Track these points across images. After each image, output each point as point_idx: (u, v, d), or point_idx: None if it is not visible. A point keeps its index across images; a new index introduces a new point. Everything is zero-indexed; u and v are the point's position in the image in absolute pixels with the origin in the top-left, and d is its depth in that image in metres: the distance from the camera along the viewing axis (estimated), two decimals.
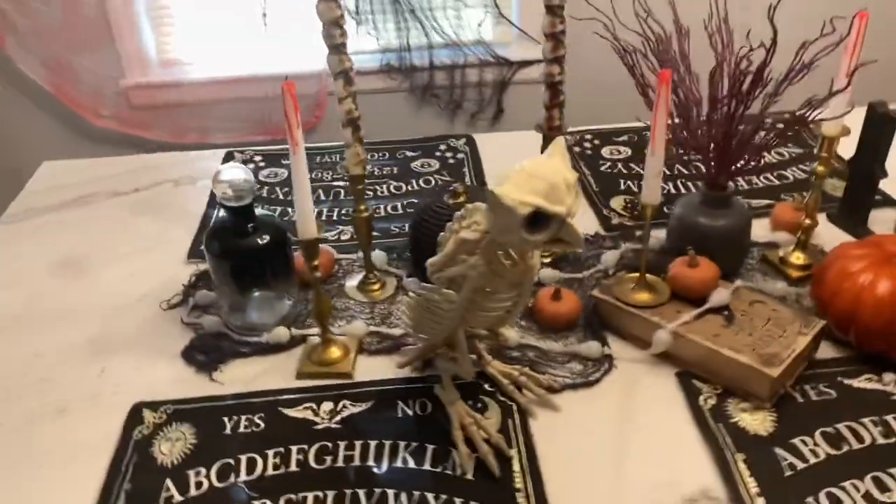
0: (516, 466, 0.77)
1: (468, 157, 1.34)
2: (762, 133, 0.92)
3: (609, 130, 1.41)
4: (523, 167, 0.64)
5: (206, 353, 0.94)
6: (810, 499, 0.72)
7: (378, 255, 1.07)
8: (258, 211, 0.93)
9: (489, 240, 0.69)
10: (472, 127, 2.10)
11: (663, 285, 0.93)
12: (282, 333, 0.95)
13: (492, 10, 1.92)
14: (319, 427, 0.83)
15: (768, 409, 0.82)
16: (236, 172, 0.90)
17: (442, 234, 0.76)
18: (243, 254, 0.92)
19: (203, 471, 0.78)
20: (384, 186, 1.27)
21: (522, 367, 0.88)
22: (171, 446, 0.81)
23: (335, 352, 0.91)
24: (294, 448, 0.80)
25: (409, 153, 1.37)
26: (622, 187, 1.24)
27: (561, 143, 0.67)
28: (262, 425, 0.84)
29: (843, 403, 0.83)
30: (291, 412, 0.85)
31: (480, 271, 0.69)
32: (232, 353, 0.94)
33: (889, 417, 0.80)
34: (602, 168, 1.30)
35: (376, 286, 1.03)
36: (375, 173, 1.30)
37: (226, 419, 0.84)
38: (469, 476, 0.77)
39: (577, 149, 1.34)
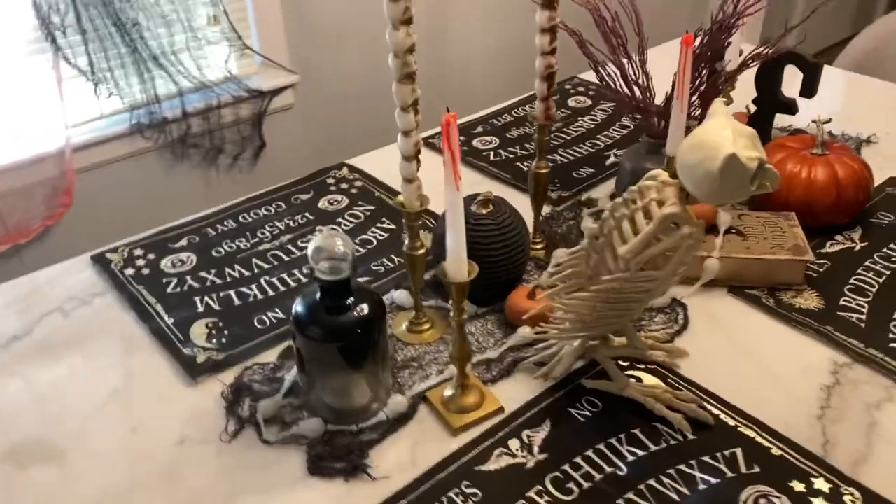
0: (710, 408, 0.84)
1: (366, 181, 1.28)
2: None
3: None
4: (721, 130, 0.70)
5: (339, 458, 0.79)
6: (889, 334, 0.93)
7: (400, 295, 1.00)
8: None
9: (685, 209, 0.73)
10: (234, 170, 1.95)
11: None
12: (399, 402, 0.85)
13: (235, 43, 1.79)
14: (531, 465, 0.78)
15: (807, 290, 1.01)
16: (330, 241, 0.76)
17: (601, 220, 0.77)
18: (350, 331, 0.79)
19: None
20: (287, 251, 1.15)
21: (660, 386, 0.88)
22: None
23: (473, 394, 0.85)
24: (533, 494, 0.75)
25: (303, 196, 1.25)
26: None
27: (721, 104, 0.75)
28: (479, 493, 0.75)
29: (837, 266, 1.05)
30: (489, 467, 0.78)
31: (696, 237, 0.74)
32: (363, 444, 0.81)
33: (869, 264, 1.05)
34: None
35: (426, 326, 0.96)
36: (291, 224, 1.17)
37: (448, 500, 0.74)
38: (691, 436, 0.81)
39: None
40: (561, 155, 1.36)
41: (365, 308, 0.80)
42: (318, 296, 0.80)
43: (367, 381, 0.83)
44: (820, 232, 1.12)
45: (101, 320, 1.01)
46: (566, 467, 0.78)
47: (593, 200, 1.21)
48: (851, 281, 1.03)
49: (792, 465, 0.77)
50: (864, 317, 0.97)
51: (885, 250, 1.09)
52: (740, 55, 1.17)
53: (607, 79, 1.09)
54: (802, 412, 0.84)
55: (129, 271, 1.08)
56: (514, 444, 0.81)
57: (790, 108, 1.28)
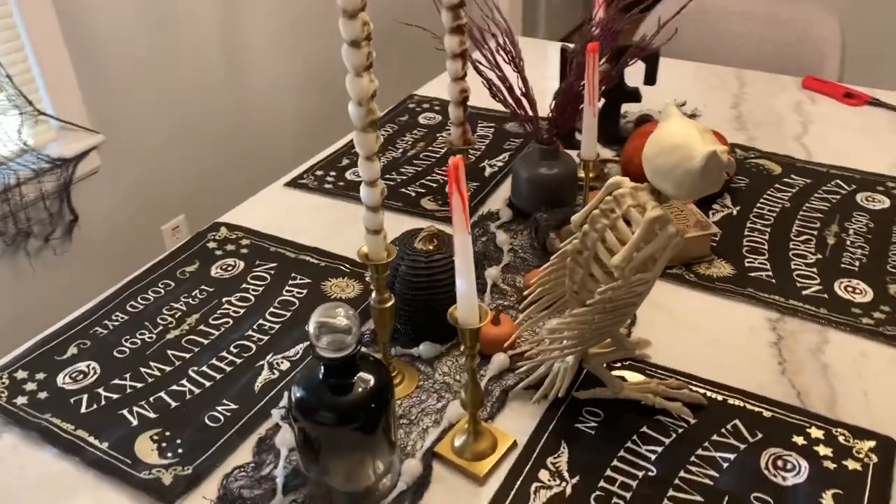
0: (696, 389, 0.88)
1: (253, 235, 1.18)
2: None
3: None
4: (687, 130, 0.74)
5: None
6: (794, 276, 1.05)
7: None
8: None
9: (663, 211, 0.76)
10: (47, 252, 1.69)
11: None
12: (414, 466, 0.79)
13: (25, 110, 1.54)
14: (570, 492, 0.77)
15: (716, 259, 1.10)
16: (332, 312, 0.69)
17: (581, 236, 0.78)
18: (364, 407, 0.72)
19: None
20: (226, 306, 1.04)
21: (649, 380, 0.91)
22: None
23: (485, 435, 0.82)
24: None
25: (188, 269, 1.12)
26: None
27: (672, 106, 0.78)
28: None
29: (728, 229, 1.16)
30: (535, 491, 0.76)
31: (681, 235, 0.77)
32: None
33: (752, 223, 1.18)
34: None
35: (398, 379, 0.91)
36: (192, 304, 1.05)
37: None
38: (693, 420, 0.85)
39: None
40: (441, 174, 1.35)
41: (370, 378, 0.74)
42: (320, 375, 0.72)
43: (383, 453, 0.77)
44: (699, 204, 1.23)
45: (7, 470, 0.83)
46: (602, 483, 0.78)
47: (494, 213, 1.22)
48: (745, 243, 1.14)
49: (785, 422, 0.85)
50: (770, 273, 1.08)
51: (755, 210, 1.22)
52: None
53: (499, 94, 1.10)
54: (767, 371, 0.92)
55: (21, 400, 0.90)
56: (543, 475, 0.79)
57: (635, 96, 1.39)
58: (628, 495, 0.77)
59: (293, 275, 1.11)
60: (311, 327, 0.70)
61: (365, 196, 0.77)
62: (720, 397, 0.88)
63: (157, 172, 1.96)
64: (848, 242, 1.13)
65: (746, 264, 1.10)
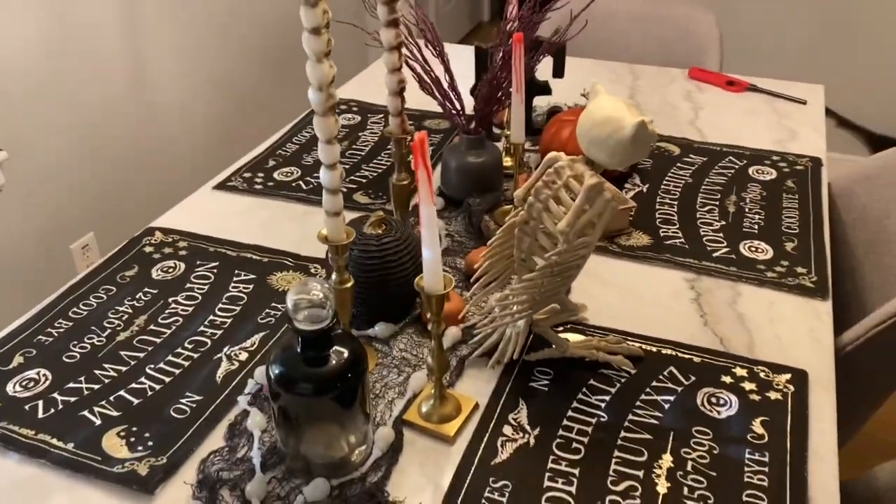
0: (633, 343, 0.97)
1: (189, 237, 1.18)
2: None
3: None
4: (616, 106, 0.82)
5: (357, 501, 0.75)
6: (704, 241, 1.16)
7: None
8: None
9: (600, 178, 0.84)
10: None
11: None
12: (387, 433, 0.83)
13: None
14: (533, 442, 0.83)
15: (634, 231, 1.20)
16: (306, 289, 0.72)
17: (527, 207, 0.84)
18: (340, 378, 0.75)
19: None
20: (173, 306, 1.04)
21: (592, 337, 0.99)
22: None
23: (449, 399, 0.87)
24: (552, 464, 0.80)
25: (128, 273, 1.11)
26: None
27: (600, 85, 0.86)
28: (510, 483, 0.78)
29: (642, 204, 1.27)
30: (502, 457, 0.82)
31: (616, 200, 0.84)
32: (377, 485, 0.78)
33: (657, 205, 1.29)
34: None
35: None
36: (137, 306, 1.04)
37: (487, 501, 0.76)
38: (632, 370, 0.93)
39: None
40: (369, 169, 1.40)
41: (344, 351, 0.78)
42: (297, 349, 0.75)
43: (358, 423, 0.80)
44: (613, 184, 1.33)
45: None
46: (561, 432, 0.85)
47: None
48: (658, 216, 1.25)
49: (713, 365, 0.94)
50: (683, 240, 1.19)
51: (662, 187, 1.33)
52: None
53: (428, 86, 1.16)
54: (693, 324, 1.02)
55: None
56: (507, 430, 0.85)
57: (546, 89, 1.48)
58: (586, 440, 0.84)
59: (237, 272, 1.12)
60: (288, 303, 0.73)
61: (325, 179, 0.81)
62: (654, 349, 0.97)
63: (63, 190, 1.89)
64: (746, 209, 1.26)
65: (661, 234, 1.20)
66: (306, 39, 0.73)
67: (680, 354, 0.96)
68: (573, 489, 0.79)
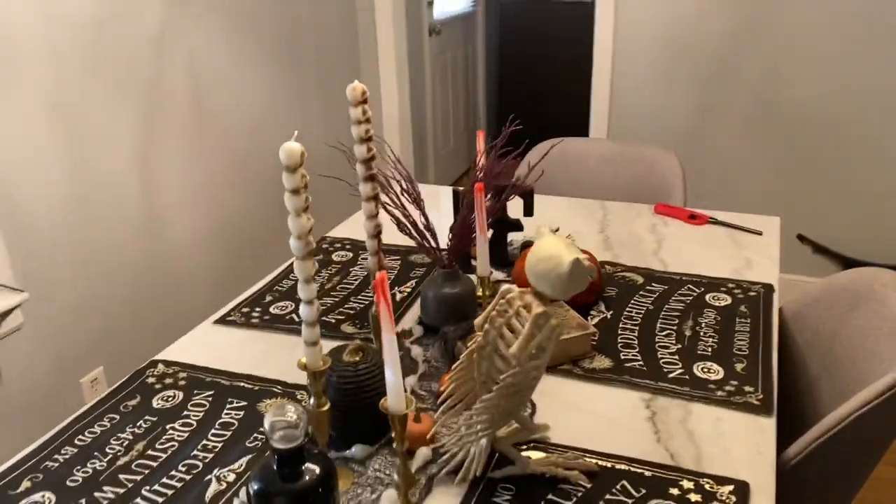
0: (589, 459, 1.05)
1: (188, 368, 1.28)
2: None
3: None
4: (555, 245, 0.95)
5: None
6: (661, 363, 1.25)
7: None
8: None
9: (546, 308, 0.96)
10: None
11: None
12: None
13: None
14: None
15: (597, 355, 1.30)
16: (282, 411, 0.82)
17: (483, 334, 0.96)
18: (312, 493, 0.84)
19: None
20: (171, 432, 1.13)
21: (553, 455, 1.08)
22: None
23: None
24: None
25: (131, 403, 1.21)
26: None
27: (545, 227, 1.00)
28: None
29: (605, 330, 1.37)
30: None
31: (561, 326, 0.95)
32: None
33: (620, 330, 1.39)
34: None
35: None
36: (138, 433, 1.13)
37: None
38: (588, 484, 1.00)
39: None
40: (356, 301, 1.52)
41: (317, 470, 0.87)
42: (274, 467, 0.84)
43: None
44: (579, 311, 1.44)
45: None
46: None
47: (408, 331, 1.39)
48: (619, 340, 1.36)
49: (662, 478, 1.02)
50: (642, 362, 1.29)
51: (625, 313, 1.45)
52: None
53: (406, 228, 1.31)
54: (645, 440, 1.10)
55: None
56: None
57: (517, 226, 1.63)
58: None
59: (230, 399, 1.22)
60: (266, 424, 0.83)
61: (304, 313, 0.93)
62: (609, 464, 1.05)
63: (76, 327, 2.02)
64: (701, 333, 1.37)
65: (622, 357, 1.30)
66: (287, 198, 0.87)
67: (632, 469, 1.04)
68: None
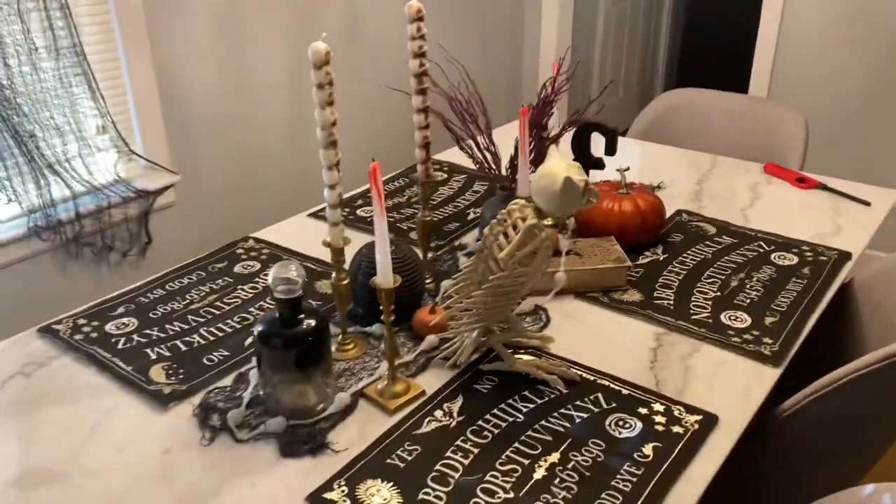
0: (576, 370, 1.12)
1: (272, 246, 1.50)
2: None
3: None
4: (558, 163, 1.02)
5: (304, 441, 0.99)
6: (692, 316, 1.28)
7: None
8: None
9: (537, 220, 1.03)
10: (124, 266, 2.08)
11: None
12: (344, 398, 1.06)
13: (122, 149, 1.95)
14: (453, 426, 1.02)
15: (630, 289, 1.35)
16: (287, 267, 0.99)
17: (483, 237, 1.06)
18: (299, 341, 1.01)
19: (430, 490, 0.91)
20: (240, 291, 1.35)
21: (540, 359, 1.20)
22: (378, 494, 0.91)
23: (399, 385, 1.08)
24: (459, 442, 0.99)
25: (217, 265, 1.45)
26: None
27: (554, 148, 1.07)
28: (419, 448, 0.98)
29: (647, 273, 1.41)
30: (422, 430, 1.02)
31: (549, 239, 1.04)
32: (318, 432, 1.01)
33: (673, 267, 1.42)
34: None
35: (350, 346, 1.19)
36: (214, 288, 1.37)
37: (395, 459, 0.96)
38: (565, 390, 1.09)
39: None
40: (432, 215, 1.65)
41: (313, 322, 1.03)
42: (277, 314, 1.01)
43: (318, 381, 1.04)
44: (634, 250, 1.48)
45: (63, 376, 1.15)
46: (479, 422, 1.03)
47: (464, 245, 1.51)
48: (660, 280, 1.39)
49: (637, 398, 1.07)
50: (672, 302, 1.31)
51: (679, 258, 1.46)
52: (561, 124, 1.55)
53: (468, 150, 1.41)
54: (640, 366, 1.15)
55: (78, 337, 1.23)
56: (438, 413, 1.05)
57: (599, 164, 1.67)
58: (496, 431, 1.02)
59: None
60: (270, 277, 1.00)
61: (327, 196, 1.08)
62: (592, 377, 1.12)
63: (220, 212, 2.34)
64: (748, 286, 1.36)
65: (655, 294, 1.34)
66: (314, 93, 1.01)
67: (612, 385, 1.10)
68: (466, 461, 0.97)
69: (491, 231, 1.08)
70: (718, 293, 1.34)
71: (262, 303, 1.33)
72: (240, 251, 1.52)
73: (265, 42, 2.37)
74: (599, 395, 1.09)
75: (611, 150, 1.66)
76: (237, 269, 1.45)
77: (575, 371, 1.13)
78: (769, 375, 1.13)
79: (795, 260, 1.45)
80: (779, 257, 1.46)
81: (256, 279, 1.41)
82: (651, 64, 4.85)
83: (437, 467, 0.96)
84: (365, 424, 1.04)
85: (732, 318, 1.27)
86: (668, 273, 1.41)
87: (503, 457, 0.98)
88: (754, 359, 1.16)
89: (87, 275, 2.02)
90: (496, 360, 1.15)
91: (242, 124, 2.36)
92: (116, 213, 1.99)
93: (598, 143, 1.62)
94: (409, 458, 0.98)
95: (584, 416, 1.04)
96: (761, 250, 1.49)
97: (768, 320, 1.26)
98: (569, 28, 3.55)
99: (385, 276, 1.01)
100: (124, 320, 1.29)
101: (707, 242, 1.52)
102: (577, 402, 1.07)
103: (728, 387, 1.10)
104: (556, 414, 1.05)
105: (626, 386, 1.10)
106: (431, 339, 1.20)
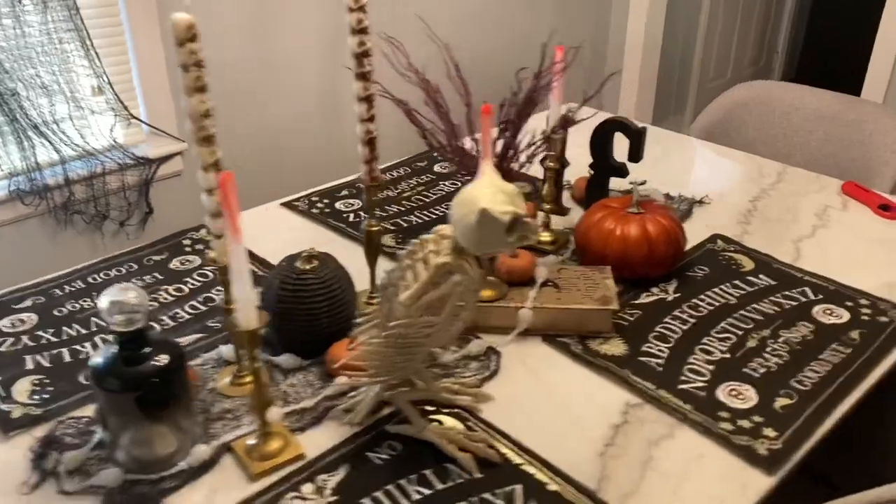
0: (502, 448, 0.88)
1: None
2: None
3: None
4: (482, 188, 0.77)
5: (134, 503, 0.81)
6: (682, 377, 1.00)
7: (228, 348, 1.04)
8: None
9: (459, 257, 0.79)
10: (121, 236, 1.98)
11: (498, 280, 1.12)
12: (202, 451, 0.87)
13: (120, 113, 1.84)
14: None
15: (614, 337, 1.08)
16: (123, 293, 0.80)
17: (389, 271, 0.83)
18: (144, 382, 0.82)
19: None
20: (161, 293, 1.19)
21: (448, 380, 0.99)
22: None
23: (275, 442, 0.88)
24: None
25: (156, 258, 1.29)
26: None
27: (489, 163, 0.82)
28: None
29: (647, 315, 1.13)
30: (291, 499, 0.81)
31: (465, 285, 0.80)
32: (160, 493, 0.83)
33: (676, 313, 1.13)
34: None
35: (249, 379, 1.00)
36: (140, 282, 1.21)
37: None
38: (478, 474, 0.85)
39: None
40: (418, 216, 1.43)
41: (163, 358, 0.84)
42: (116, 349, 0.83)
43: (170, 430, 0.86)
44: (639, 284, 1.20)
45: None
46: None
47: None
48: (657, 329, 1.10)
49: (564, 499, 0.82)
50: (662, 361, 1.04)
51: (694, 300, 1.17)
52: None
53: (434, 142, 1.17)
54: (589, 449, 0.89)
55: None
56: (307, 488, 0.84)
57: (620, 171, 1.39)
58: None
59: None
60: (103, 305, 0.81)
61: (206, 203, 0.87)
62: (518, 460, 0.87)
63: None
64: (768, 349, 1.05)
65: (644, 348, 1.06)
66: (182, 75, 0.80)
67: (538, 475, 0.85)
68: None
69: (400, 264, 0.85)
70: (727, 354, 1.05)
71: (179, 310, 1.16)
72: (186, 242, 1.35)
73: (297, 15, 2.18)
74: (518, 487, 0.84)
75: (635, 154, 1.36)
76: (174, 263, 1.28)
77: (498, 449, 0.89)
78: (756, 486, 0.84)
79: (845, 317, 1.13)
80: (824, 311, 1.14)
81: (186, 278, 1.24)
82: (769, 43, 4.34)
83: None
84: (217, 491, 0.84)
85: (734, 393, 0.98)
86: (671, 319, 1.12)
87: None
88: (742, 457, 0.88)
89: (81, 242, 1.92)
90: (407, 421, 0.93)
91: (262, 93, 2.19)
92: (112, 181, 1.87)
93: (624, 145, 1.34)
94: None
95: None
96: (803, 299, 1.17)
97: (780, 402, 0.96)
98: (662, 6, 3.16)
99: (247, 315, 0.80)
100: (23, 316, 1.14)
101: (737, 281, 1.22)
102: (486, 495, 0.83)
103: (696, 496, 0.83)
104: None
105: (557, 479, 0.85)
106: (341, 381, 0.98)
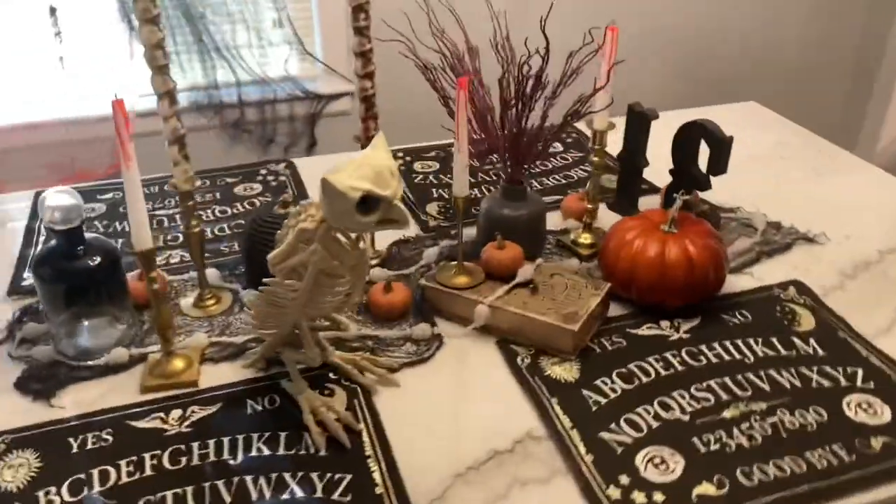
0: (365, 437, 0.85)
1: (290, 179, 1.41)
2: (546, 130, 1.08)
3: (418, 148, 1.54)
4: (352, 159, 0.73)
5: (41, 381, 0.93)
6: (613, 425, 0.86)
7: (211, 273, 1.11)
8: (87, 234, 0.94)
9: (325, 227, 0.77)
10: (291, 154, 2.17)
11: (478, 269, 1.05)
12: (121, 354, 0.96)
13: (296, 47, 2.00)
14: (170, 433, 0.86)
15: (573, 360, 0.96)
16: (62, 197, 0.91)
17: (279, 231, 0.83)
18: (75, 277, 0.93)
19: (53, 489, 0.79)
20: (209, 211, 1.30)
21: (363, 353, 0.96)
22: (15, 472, 0.81)
23: (178, 364, 0.94)
24: (147, 455, 0.83)
25: (228, 179, 1.41)
26: (435, 195, 1.36)
27: (382, 137, 0.77)
28: (111, 439, 0.85)
29: (631, 348, 0.98)
30: (140, 424, 0.87)
31: (321, 256, 0.77)
32: (70, 378, 0.93)
33: (668, 354, 0.97)
34: (416, 180, 1.41)
35: (212, 302, 1.06)
36: (198, 199, 1.33)
37: (71, 439, 0.85)
38: (322, 452, 0.83)
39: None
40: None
41: (97, 258, 0.93)
42: (53, 243, 0.93)
43: (99, 326, 0.95)
44: (651, 311, 1.04)
45: None
46: (194, 446, 0.84)
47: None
48: (631, 366, 0.95)
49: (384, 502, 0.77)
50: (604, 401, 0.89)
51: (702, 346, 0.98)
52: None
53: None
54: (447, 467, 0.81)
55: None
56: (175, 413, 0.88)
57: (701, 183, 1.19)
58: (195, 462, 0.81)
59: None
60: (43, 206, 0.90)
61: (166, 132, 0.93)
62: (368, 453, 0.82)
63: (392, 131, 2.24)
64: (744, 425, 0.85)
65: (595, 382, 0.92)
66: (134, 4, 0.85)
67: (374, 475, 0.79)
68: (135, 477, 0.80)
69: (285, 225, 0.83)
70: (686, 416, 0.87)
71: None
72: (263, 171, 1.44)
73: None
74: (348, 477, 0.79)
75: (715, 166, 1.17)
76: (238, 189, 1.38)
77: (354, 437, 0.84)
78: None
79: (885, 417, 0.87)
80: (859, 403, 0.89)
81: (237, 202, 1.34)
82: None
83: (104, 468, 0.81)
84: (110, 391, 0.92)
85: (656, 460, 0.81)
86: (656, 360, 0.96)
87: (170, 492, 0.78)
88: None
89: (252, 158, 2.13)
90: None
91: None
92: (282, 109, 2.04)
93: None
94: (86, 448, 0.84)
95: (298, 495, 0.77)
96: (843, 383, 0.92)
97: (702, 489, 0.77)
98: None
99: (141, 237, 0.85)
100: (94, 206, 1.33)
101: (775, 339, 0.99)
102: (312, 475, 0.80)
103: None
104: (273, 475, 0.80)
105: (388, 484, 0.78)
106: None
